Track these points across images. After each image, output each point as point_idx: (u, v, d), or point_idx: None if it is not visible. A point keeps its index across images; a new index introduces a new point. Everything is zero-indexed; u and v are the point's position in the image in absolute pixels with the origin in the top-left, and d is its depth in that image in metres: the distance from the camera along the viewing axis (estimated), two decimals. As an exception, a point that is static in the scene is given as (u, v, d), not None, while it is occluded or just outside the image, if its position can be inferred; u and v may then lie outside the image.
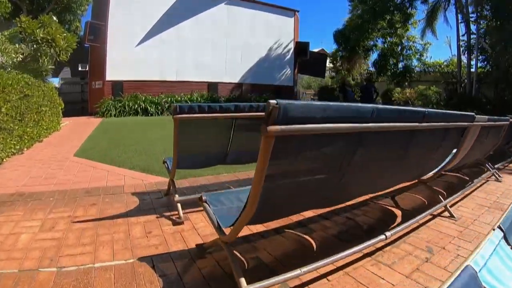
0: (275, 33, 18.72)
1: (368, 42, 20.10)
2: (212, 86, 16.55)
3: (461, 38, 16.41)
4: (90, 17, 16.35)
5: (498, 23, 13.75)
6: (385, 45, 19.78)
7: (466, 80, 16.35)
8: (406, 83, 18.84)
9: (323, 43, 54.18)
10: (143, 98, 14.00)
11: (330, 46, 45.79)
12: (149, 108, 13.75)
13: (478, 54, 15.30)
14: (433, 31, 17.82)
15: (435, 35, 18.08)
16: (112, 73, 14.02)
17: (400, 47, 19.50)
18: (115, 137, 7.70)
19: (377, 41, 20.38)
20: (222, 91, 16.76)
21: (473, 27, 15.80)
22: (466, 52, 16.26)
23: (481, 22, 15.42)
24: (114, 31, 13.98)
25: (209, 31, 16.40)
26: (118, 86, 14.14)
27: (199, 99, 15.29)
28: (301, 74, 22.69)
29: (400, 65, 19.62)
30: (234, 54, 17.26)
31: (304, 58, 19.42)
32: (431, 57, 20.86)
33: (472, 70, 15.76)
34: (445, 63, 18.99)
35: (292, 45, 19.47)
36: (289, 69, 19.42)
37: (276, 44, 18.87)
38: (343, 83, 11.48)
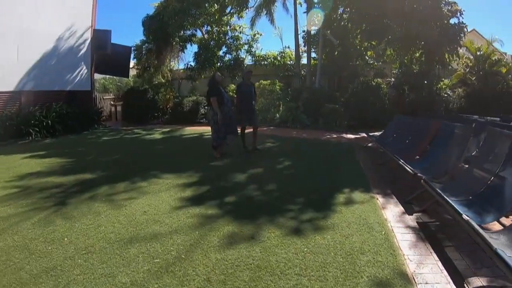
0: (67, 16, 14.15)
1: (185, 32, 17.57)
2: (-29, 101, 11.12)
3: (302, 29, 16.47)
4: None
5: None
6: (211, 35, 17.59)
7: (305, 73, 16.45)
8: (237, 78, 17.37)
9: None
10: None
11: (126, 39, 40.70)
12: None
13: (324, 46, 15.37)
14: (271, 19, 17.22)
15: (273, 24, 17.53)
16: None
17: (226, 37, 17.70)
18: None
19: (196, 30, 17.97)
20: (-12, 108, 11.54)
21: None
22: (306, 44, 16.30)
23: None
24: None
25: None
26: None
27: None
28: (100, 74, 18.49)
29: (228, 57, 17.79)
30: (8, 47, 12.12)
31: (104, 52, 15.57)
32: (261, 49, 19.93)
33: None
34: (279, 56, 18.46)
35: (89, 35, 15.26)
36: (85, 68, 15.16)
37: (68, 32, 14.34)
38: (213, 79, 7.73)
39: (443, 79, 15.30)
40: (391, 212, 4.25)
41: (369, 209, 4.30)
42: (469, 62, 14.96)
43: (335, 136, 11.65)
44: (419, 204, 4.48)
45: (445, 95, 14.85)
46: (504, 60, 15.29)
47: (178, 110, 16.38)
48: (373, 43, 14.73)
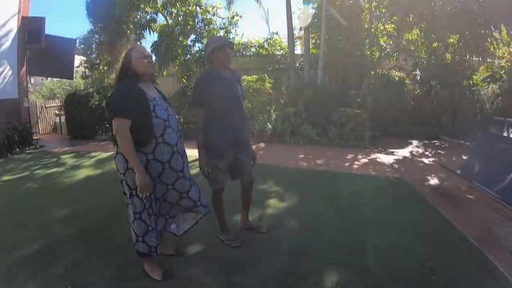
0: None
1: (142, 18, 13.80)
2: None
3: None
4: None
5: None
6: (176, 18, 13.81)
7: (300, 65, 13.35)
8: None
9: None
10: None
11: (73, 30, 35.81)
12: None
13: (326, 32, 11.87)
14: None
15: (258, 0, 14.27)
16: None
17: (196, 21, 13.81)
18: None
19: (156, 14, 14.14)
20: None
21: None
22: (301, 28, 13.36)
23: None
24: None
25: None
26: None
27: None
28: (36, 76, 14.56)
29: (198, 47, 13.80)
30: None
31: (37, 46, 11.78)
32: (242, 35, 16.35)
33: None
34: (265, 44, 14.91)
35: (15, 23, 11.41)
36: (9, 68, 11.37)
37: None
38: (126, 65, 2.69)
39: (476, 73, 12.20)
40: None
41: None
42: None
43: (365, 160, 7.95)
44: None
45: (482, 92, 11.74)
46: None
47: (131, 120, 12.34)
48: (393, 26, 11.40)
